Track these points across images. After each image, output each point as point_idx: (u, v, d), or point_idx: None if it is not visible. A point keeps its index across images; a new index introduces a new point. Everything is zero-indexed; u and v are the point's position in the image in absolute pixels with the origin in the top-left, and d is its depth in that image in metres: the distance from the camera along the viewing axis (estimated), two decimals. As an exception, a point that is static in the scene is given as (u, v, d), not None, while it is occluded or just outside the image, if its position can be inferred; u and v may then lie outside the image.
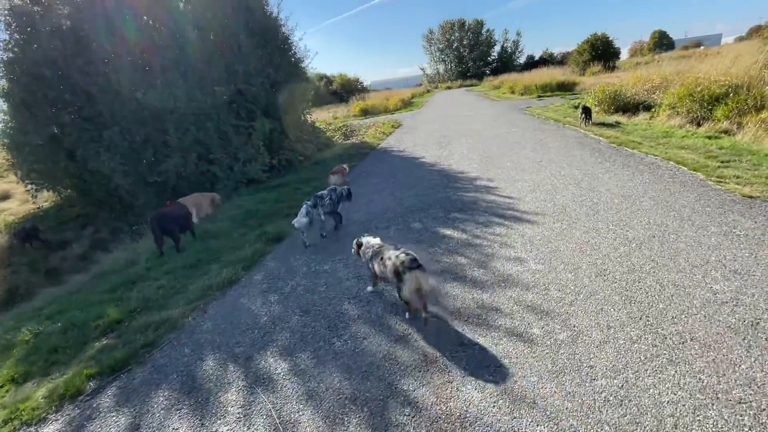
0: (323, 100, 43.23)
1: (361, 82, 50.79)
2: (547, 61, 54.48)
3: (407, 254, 2.96)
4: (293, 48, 12.43)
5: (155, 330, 3.54)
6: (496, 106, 20.52)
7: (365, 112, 27.13)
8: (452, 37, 64.79)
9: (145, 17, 8.92)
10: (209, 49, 9.41)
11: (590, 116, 10.63)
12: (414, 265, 2.88)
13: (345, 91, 44.64)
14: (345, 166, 8.65)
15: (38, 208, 9.20)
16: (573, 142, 8.95)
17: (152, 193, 8.72)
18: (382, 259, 3.17)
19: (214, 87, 9.20)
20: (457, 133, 12.72)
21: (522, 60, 64.26)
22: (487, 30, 63.73)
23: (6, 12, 8.48)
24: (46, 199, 10.22)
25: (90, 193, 9.04)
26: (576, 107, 14.54)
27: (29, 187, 8.46)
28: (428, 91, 51.81)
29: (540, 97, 22.64)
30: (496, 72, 56.11)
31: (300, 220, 4.81)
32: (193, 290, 4.23)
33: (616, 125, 10.23)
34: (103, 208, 9.27)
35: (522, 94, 25.74)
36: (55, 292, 5.31)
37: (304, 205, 4.95)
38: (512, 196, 5.74)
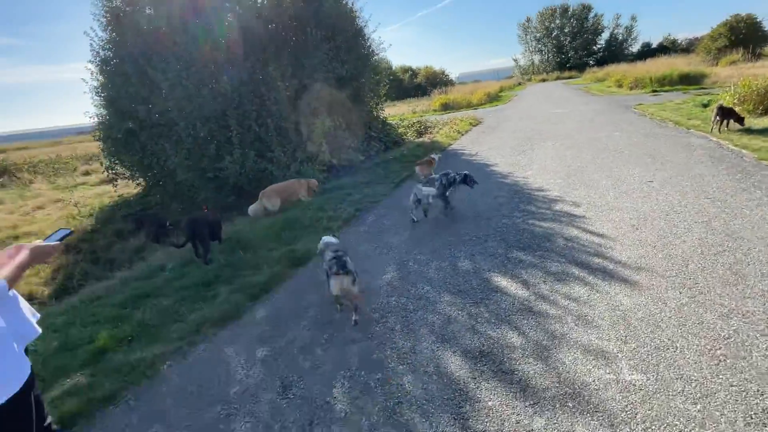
0: (406, 93, 42.44)
1: (447, 75, 48.81)
2: (667, 49, 46.42)
3: (338, 259, 3.16)
4: (366, 41, 11.62)
5: (124, 376, 2.97)
6: (597, 102, 17.55)
7: (446, 107, 25.58)
8: (552, 25, 58.71)
9: (219, 11, 8.82)
10: (276, 42, 9.02)
11: (740, 120, 7.96)
12: (340, 271, 3.08)
13: (429, 84, 43.22)
14: (435, 156, 7.94)
15: (119, 196, 9.86)
16: (701, 155, 6.72)
17: (212, 188, 8.67)
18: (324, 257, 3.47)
19: (278, 82, 8.80)
20: (544, 135, 10.80)
21: (635, 48, 55.91)
22: (595, 15, 56.46)
23: (106, 12, 9.00)
24: (137, 185, 10.89)
25: (163, 184, 9.37)
26: (705, 106, 11.53)
27: (111, 176, 9.00)
28: (519, 84, 47.78)
29: (655, 92, 18.88)
30: (601, 63, 49.55)
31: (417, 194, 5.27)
32: (190, 322, 3.63)
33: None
34: (175, 199, 9.55)
35: (631, 89, 21.88)
36: (95, 289, 5.25)
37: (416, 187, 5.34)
38: (604, 234, 4.18)
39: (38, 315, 1.69)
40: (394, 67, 49.49)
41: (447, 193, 5.44)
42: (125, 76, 8.53)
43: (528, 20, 61.27)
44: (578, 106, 16.64)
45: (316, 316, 3.46)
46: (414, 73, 49.31)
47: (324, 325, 3.29)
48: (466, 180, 5.45)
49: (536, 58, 61.74)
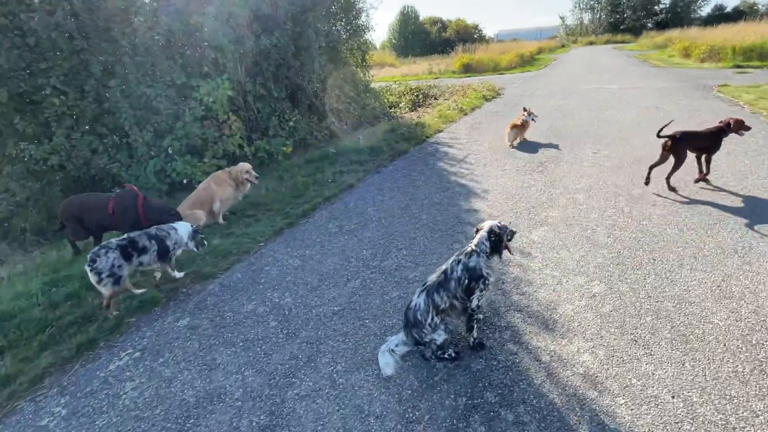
0: (433, 49, 36.44)
1: (480, 30, 41.82)
2: (744, 14, 37.47)
3: (95, 252, 2.78)
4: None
5: None
6: (661, 76, 12.63)
7: (467, 69, 20.58)
8: (611, -22, 49.05)
9: None
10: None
11: None
12: (89, 265, 2.77)
13: (460, 39, 36.77)
14: (530, 116, 5.81)
15: None
16: None
17: (37, 186, 5.26)
18: None
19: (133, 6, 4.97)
20: (582, 130, 6.62)
21: (704, 11, 46.25)
22: (663, -31, 46.35)
23: None
24: None
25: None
26: None
27: None
28: (562, 46, 40.52)
29: (739, 67, 13.57)
30: (661, 26, 41.14)
31: None
32: None
33: None
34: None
35: (703, 61, 16.25)
36: None
37: None
38: None
39: None
40: (421, 18, 42.92)
41: (476, 302, 2.13)
42: None
43: (583, -29, 51.45)
44: (635, 82, 11.83)
45: None
46: (443, 25, 42.48)
47: None
48: (497, 245, 2.21)
49: (586, 17, 52.71)
